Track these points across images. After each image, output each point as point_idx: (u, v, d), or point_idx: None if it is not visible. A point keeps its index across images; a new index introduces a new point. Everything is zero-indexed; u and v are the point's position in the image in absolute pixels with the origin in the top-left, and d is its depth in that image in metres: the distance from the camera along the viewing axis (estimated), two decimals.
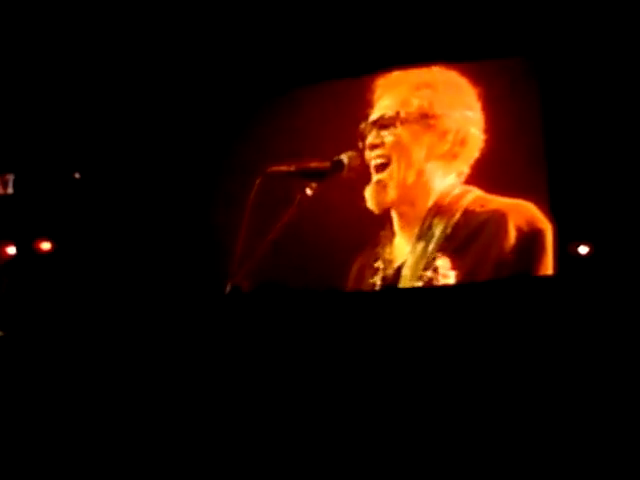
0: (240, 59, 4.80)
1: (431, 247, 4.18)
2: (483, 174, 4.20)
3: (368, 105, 4.40)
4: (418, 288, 4.23)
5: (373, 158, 4.31)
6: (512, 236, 4.06)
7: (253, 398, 4.30)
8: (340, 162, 4.33)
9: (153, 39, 4.83)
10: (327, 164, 4.33)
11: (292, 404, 4.23)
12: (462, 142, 4.21)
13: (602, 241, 4.07)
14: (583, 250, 4.10)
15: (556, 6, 4.26)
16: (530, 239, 4.04)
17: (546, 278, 4.09)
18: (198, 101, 4.89)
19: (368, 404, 4.11)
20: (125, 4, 4.66)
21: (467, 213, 4.16)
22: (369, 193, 4.30)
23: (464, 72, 4.31)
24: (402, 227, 4.30)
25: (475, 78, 4.28)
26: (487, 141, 4.21)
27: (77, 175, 4.97)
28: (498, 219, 4.08)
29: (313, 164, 4.35)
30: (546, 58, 4.29)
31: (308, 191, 4.30)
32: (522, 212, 4.07)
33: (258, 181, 4.36)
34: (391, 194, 4.27)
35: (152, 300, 4.69)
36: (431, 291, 4.25)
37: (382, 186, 4.28)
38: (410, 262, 4.23)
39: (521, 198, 4.09)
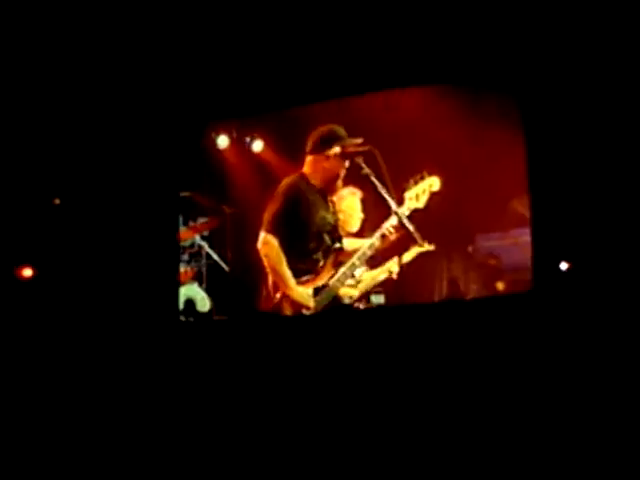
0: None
1: None
2: None
3: None
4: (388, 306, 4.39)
5: None
6: None
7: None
8: None
9: (128, 67, 4.86)
10: None
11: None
12: None
13: (581, 258, 4.10)
14: (563, 266, 4.12)
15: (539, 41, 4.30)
16: None
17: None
18: (175, 128, 4.93)
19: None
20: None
21: None
22: None
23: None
24: None
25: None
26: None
27: (57, 201, 4.98)
28: None
29: None
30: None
31: None
32: None
33: None
34: None
35: (127, 323, 4.73)
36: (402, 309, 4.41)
37: None
38: None
39: None
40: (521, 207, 4.37)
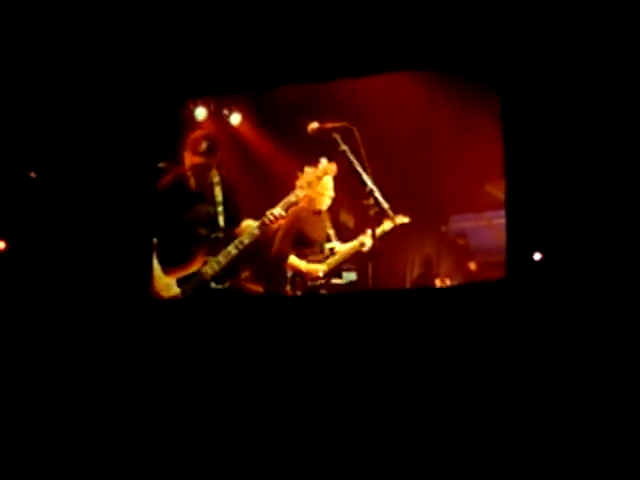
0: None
1: None
2: None
3: None
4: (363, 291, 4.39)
5: None
6: None
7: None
8: None
9: (105, 42, 4.81)
10: None
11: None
12: None
13: (554, 248, 4.13)
14: (536, 257, 4.15)
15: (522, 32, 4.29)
16: None
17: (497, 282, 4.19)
18: (154, 101, 4.89)
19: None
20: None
21: None
22: None
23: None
24: None
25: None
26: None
27: (33, 174, 4.92)
28: None
29: None
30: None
31: None
32: None
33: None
34: None
35: (98, 300, 4.70)
36: (378, 296, 4.38)
37: None
38: None
39: None
40: (496, 190, 4.36)
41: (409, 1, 4.42)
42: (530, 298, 4.07)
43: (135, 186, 4.82)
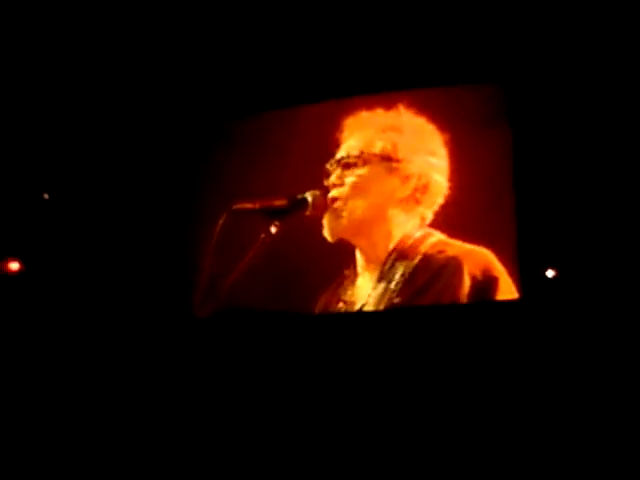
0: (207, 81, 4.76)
1: (390, 290, 4.15)
2: (447, 220, 4.15)
3: (335, 144, 4.35)
4: (382, 311, 4.20)
5: (331, 197, 4.28)
6: (466, 284, 4.02)
7: (224, 420, 4.35)
8: (304, 200, 4.28)
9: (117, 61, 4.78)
10: (291, 202, 4.29)
11: (263, 424, 4.28)
12: (424, 188, 4.17)
13: (568, 265, 4.08)
14: (550, 274, 4.11)
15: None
16: (483, 288, 4.01)
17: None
18: (167, 126, 4.83)
19: (341, 425, 4.15)
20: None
21: (426, 258, 4.11)
22: (325, 221, 4.29)
23: (433, 119, 4.25)
24: (364, 268, 4.26)
25: (444, 125, 4.22)
26: (452, 188, 4.16)
27: (46, 196, 4.92)
28: (454, 266, 4.04)
29: (277, 202, 4.29)
30: (518, 92, 4.26)
31: (272, 229, 4.25)
32: (477, 259, 4.03)
33: (222, 219, 4.29)
34: (344, 223, 4.24)
35: (117, 323, 4.67)
36: (395, 314, 4.24)
37: (335, 215, 4.26)
38: (370, 304, 4.20)
39: (483, 243, 4.05)
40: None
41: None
42: (546, 317, 4.03)
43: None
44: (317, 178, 4.35)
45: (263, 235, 4.26)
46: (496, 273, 4.01)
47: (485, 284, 4.01)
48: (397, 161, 4.20)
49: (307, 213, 4.30)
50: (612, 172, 4.05)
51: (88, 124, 4.87)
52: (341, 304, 4.28)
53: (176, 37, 4.67)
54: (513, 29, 4.27)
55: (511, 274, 4.03)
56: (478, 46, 4.33)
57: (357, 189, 4.24)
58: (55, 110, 4.87)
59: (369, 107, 4.37)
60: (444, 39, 4.38)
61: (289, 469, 4.11)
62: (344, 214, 4.23)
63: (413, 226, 4.19)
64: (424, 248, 4.14)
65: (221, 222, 4.30)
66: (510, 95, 4.28)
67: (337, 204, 4.25)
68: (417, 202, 4.18)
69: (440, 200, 4.16)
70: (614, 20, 4.09)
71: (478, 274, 4.02)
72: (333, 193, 4.28)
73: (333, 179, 4.30)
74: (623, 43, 4.08)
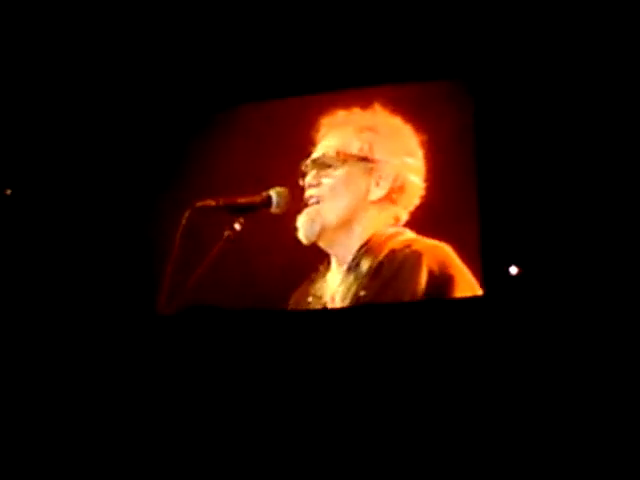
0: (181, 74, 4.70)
1: (357, 284, 4.13)
2: (420, 220, 4.13)
3: (310, 143, 4.30)
4: (345, 309, 4.19)
5: (308, 197, 4.24)
6: (423, 280, 4.01)
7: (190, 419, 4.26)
8: (269, 198, 4.23)
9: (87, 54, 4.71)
10: (256, 199, 4.25)
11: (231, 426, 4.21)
12: (400, 189, 4.14)
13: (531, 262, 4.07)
14: (513, 270, 4.08)
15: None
16: (440, 281, 4.01)
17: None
18: (133, 117, 4.74)
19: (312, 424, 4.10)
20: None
21: (391, 252, 4.09)
22: (299, 223, 4.24)
23: (409, 119, 4.22)
24: (335, 264, 4.24)
25: (419, 125, 4.20)
26: (428, 188, 4.14)
27: (8, 191, 4.84)
28: (414, 259, 4.03)
29: (241, 199, 4.24)
30: (483, 84, 4.25)
31: (237, 226, 4.21)
32: (436, 254, 4.02)
33: (186, 215, 4.22)
34: (318, 228, 4.20)
35: (79, 321, 4.56)
36: (362, 310, 4.22)
37: (310, 218, 4.21)
38: (337, 298, 4.19)
39: (447, 240, 4.04)
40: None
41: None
42: (509, 314, 4.00)
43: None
44: (288, 175, 4.29)
45: (227, 232, 4.23)
46: (453, 270, 4.00)
47: (441, 280, 4.00)
48: (374, 161, 4.17)
49: (272, 210, 4.26)
50: (575, 169, 4.04)
51: (52, 116, 4.80)
52: (310, 298, 4.24)
53: (153, 30, 4.65)
54: (489, 25, 4.28)
55: (474, 271, 4.01)
56: (451, 41, 4.33)
57: (333, 190, 4.21)
58: (20, 103, 4.81)
59: (346, 106, 4.31)
60: (420, 34, 4.37)
61: (263, 468, 4.06)
62: (319, 218, 4.21)
63: (385, 225, 4.17)
64: (392, 244, 4.11)
65: (184, 219, 4.23)
66: (476, 92, 4.27)
67: (312, 205, 4.22)
68: (393, 202, 4.15)
69: (416, 201, 4.14)
70: (583, 15, 4.10)
71: (436, 270, 4.00)
72: (309, 193, 4.23)
73: (309, 179, 4.25)
74: (591, 39, 4.10)
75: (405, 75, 4.37)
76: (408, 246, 4.08)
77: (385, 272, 4.08)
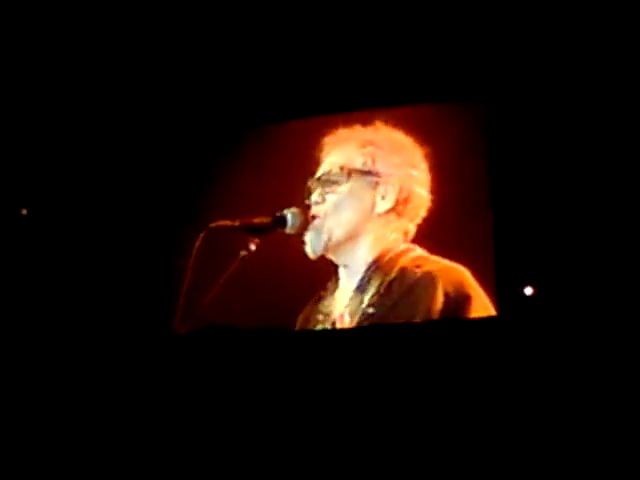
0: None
1: (366, 302, 4.15)
2: (428, 234, 4.15)
3: (315, 163, 4.34)
4: (355, 328, 4.20)
5: (313, 214, 4.28)
6: (439, 300, 4.01)
7: (204, 436, 4.29)
8: (283, 218, 4.28)
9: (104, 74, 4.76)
10: (270, 220, 4.29)
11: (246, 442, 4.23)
12: (405, 201, 4.15)
13: (546, 283, 4.07)
14: (528, 291, 4.09)
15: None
16: (456, 304, 4.00)
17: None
18: (150, 140, 4.80)
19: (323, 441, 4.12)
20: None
21: (402, 272, 4.09)
22: (306, 238, 4.29)
23: (410, 132, 4.24)
24: (345, 281, 4.26)
25: (421, 139, 4.22)
26: (434, 201, 4.16)
27: (24, 211, 4.88)
28: (428, 281, 4.03)
29: (256, 220, 4.29)
30: (497, 109, 4.26)
31: (252, 246, 4.25)
32: (452, 276, 4.01)
33: (201, 235, 4.26)
34: (325, 241, 4.24)
35: (95, 340, 4.62)
36: (373, 330, 4.22)
37: (317, 233, 4.25)
38: (346, 316, 4.20)
39: (461, 260, 4.04)
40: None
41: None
42: (524, 335, 4.00)
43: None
44: (297, 196, 4.34)
45: (243, 252, 4.27)
46: (470, 291, 3.99)
47: (458, 301, 3.99)
48: (378, 175, 4.20)
49: (286, 231, 4.30)
50: (591, 189, 4.05)
51: (68, 134, 4.86)
52: (319, 316, 4.27)
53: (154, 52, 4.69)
54: (491, 47, 4.29)
55: (488, 292, 4.01)
56: (454, 64, 4.35)
57: (338, 206, 4.24)
58: (37, 122, 4.86)
59: (346, 124, 4.36)
60: (421, 56, 4.40)
61: None
62: (325, 232, 4.23)
63: (395, 240, 4.18)
64: (402, 262, 4.12)
65: (199, 239, 4.28)
66: (489, 113, 4.28)
67: (318, 221, 4.25)
68: (399, 215, 4.17)
69: (423, 213, 4.16)
70: (592, 39, 4.11)
71: (451, 291, 4.00)
72: (314, 210, 4.28)
73: (315, 197, 4.29)
74: (601, 63, 4.10)
75: (407, 97, 4.44)
76: (419, 265, 4.10)
77: (396, 290, 4.11)
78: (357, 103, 4.47)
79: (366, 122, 4.34)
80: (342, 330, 4.23)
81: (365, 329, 4.21)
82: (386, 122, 4.31)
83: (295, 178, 4.37)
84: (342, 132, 4.35)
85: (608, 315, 3.92)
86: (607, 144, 4.07)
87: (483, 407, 3.97)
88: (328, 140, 4.34)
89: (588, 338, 3.92)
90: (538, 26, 4.20)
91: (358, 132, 4.33)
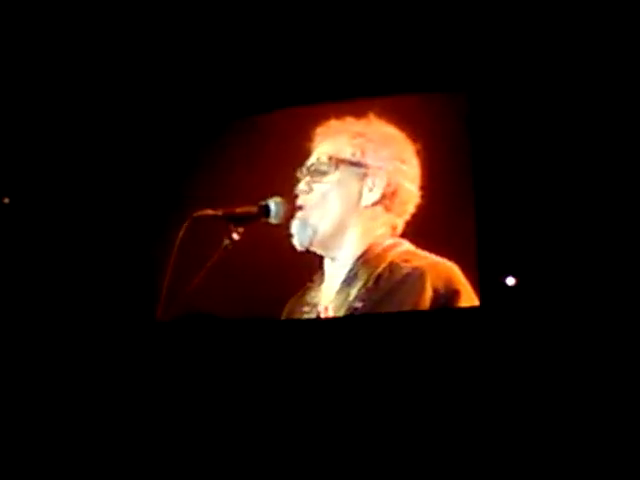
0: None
1: (353, 295, 4.14)
2: (416, 229, 4.13)
3: (305, 153, 4.34)
4: (343, 318, 4.19)
5: (299, 204, 4.27)
6: (428, 295, 4.00)
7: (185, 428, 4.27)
8: (267, 207, 4.26)
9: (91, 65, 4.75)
10: (254, 209, 4.28)
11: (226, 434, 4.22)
12: (393, 195, 4.14)
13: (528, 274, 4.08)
14: (510, 282, 4.10)
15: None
16: (445, 299, 4.00)
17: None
18: (137, 130, 4.77)
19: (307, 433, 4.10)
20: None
21: (391, 266, 4.08)
22: (292, 229, 4.27)
23: (403, 127, 4.23)
24: (331, 273, 4.24)
25: (412, 134, 4.22)
26: (423, 197, 4.15)
27: (6, 200, 4.86)
28: (417, 276, 4.02)
29: (240, 209, 4.27)
30: (480, 100, 4.26)
31: (235, 236, 4.24)
32: (440, 272, 4.01)
33: (185, 225, 4.25)
34: (311, 233, 4.22)
35: (78, 327, 4.59)
36: (358, 320, 4.22)
37: (303, 224, 4.24)
38: (332, 308, 4.20)
39: (447, 253, 4.04)
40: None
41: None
42: (506, 324, 4.00)
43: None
44: (284, 186, 4.32)
45: (226, 242, 4.26)
46: (459, 286, 3.99)
47: (447, 297, 4.00)
48: (366, 167, 4.19)
49: (270, 220, 4.29)
50: (572, 179, 4.06)
51: (53, 124, 4.82)
52: (305, 307, 4.26)
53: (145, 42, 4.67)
54: (480, 36, 4.29)
55: (471, 282, 4.01)
56: (445, 53, 4.34)
57: (325, 196, 4.24)
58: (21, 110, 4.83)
59: (339, 115, 4.34)
60: (412, 46, 4.39)
61: (260, 475, 4.07)
62: (312, 223, 4.23)
63: (383, 234, 4.17)
64: (390, 257, 4.11)
65: (183, 228, 4.26)
66: (472, 103, 4.28)
67: (304, 213, 4.24)
68: (387, 209, 4.17)
69: (411, 209, 4.15)
70: (573, 30, 4.12)
71: (440, 286, 4.00)
72: (301, 200, 4.27)
73: (301, 186, 4.28)
74: (583, 53, 4.12)
75: (399, 87, 4.41)
76: (407, 260, 4.08)
77: (383, 285, 4.09)
78: (340, 93, 4.47)
79: (359, 114, 4.33)
80: (327, 319, 4.22)
81: (350, 318, 4.20)
82: (379, 115, 4.31)
83: (284, 168, 4.35)
84: (334, 123, 4.33)
85: (589, 304, 3.94)
86: (589, 135, 4.08)
87: (468, 395, 3.96)
88: (319, 131, 4.33)
89: (569, 326, 3.93)
90: (520, 17, 4.21)
91: (350, 124, 4.31)
